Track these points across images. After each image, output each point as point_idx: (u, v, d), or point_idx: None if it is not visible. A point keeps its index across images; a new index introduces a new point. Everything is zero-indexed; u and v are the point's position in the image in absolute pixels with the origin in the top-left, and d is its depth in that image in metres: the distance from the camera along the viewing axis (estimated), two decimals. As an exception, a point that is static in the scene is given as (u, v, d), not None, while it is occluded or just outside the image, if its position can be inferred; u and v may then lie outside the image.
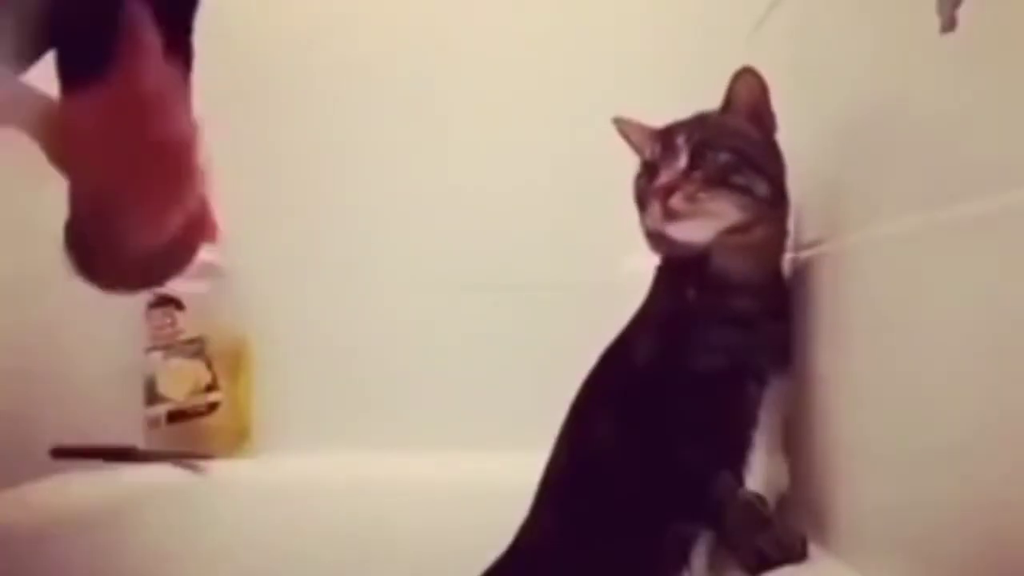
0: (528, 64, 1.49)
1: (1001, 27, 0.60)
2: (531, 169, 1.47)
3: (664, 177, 0.93)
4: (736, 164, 0.93)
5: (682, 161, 0.93)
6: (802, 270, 0.95)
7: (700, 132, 0.95)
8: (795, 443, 0.97)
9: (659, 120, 1.00)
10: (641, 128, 1.01)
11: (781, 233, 0.97)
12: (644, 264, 1.02)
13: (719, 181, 0.92)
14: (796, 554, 0.85)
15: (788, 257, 0.99)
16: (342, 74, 1.50)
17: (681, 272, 0.96)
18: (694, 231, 0.93)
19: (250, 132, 1.45)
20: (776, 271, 0.97)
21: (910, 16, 0.71)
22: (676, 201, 0.92)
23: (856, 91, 0.88)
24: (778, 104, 0.97)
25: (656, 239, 0.96)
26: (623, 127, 1.02)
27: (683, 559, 0.93)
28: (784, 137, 0.98)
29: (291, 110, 1.51)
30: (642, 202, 0.97)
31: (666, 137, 0.97)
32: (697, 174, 0.92)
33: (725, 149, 0.93)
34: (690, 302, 0.95)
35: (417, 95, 1.49)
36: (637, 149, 1.01)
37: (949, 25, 0.65)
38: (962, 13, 0.64)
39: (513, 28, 1.50)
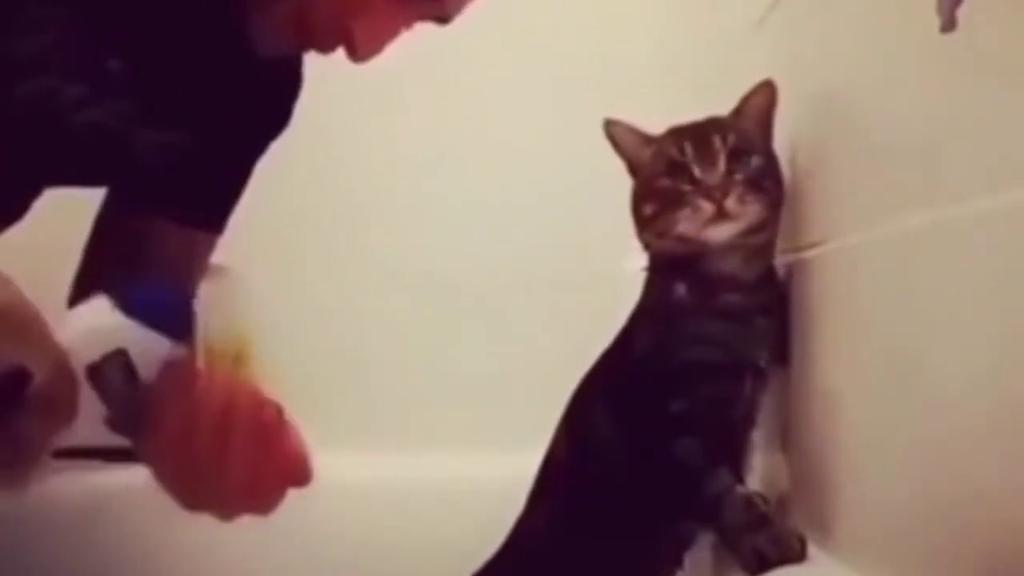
0: (527, 63, 1.49)
1: (1001, 27, 0.60)
2: (531, 169, 1.47)
3: (711, 179, 0.92)
4: (766, 169, 0.94)
5: (721, 165, 0.93)
6: (802, 270, 0.96)
7: (732, 136, 0.94)
8: (795, 443, 0.97)
9: (657, 122, 1.00)
10: (632, 131, 0.99)
11: (776, 234, 0.98)
12: (643, 264, 1.02)
13: (755, 186, 0.93)
14: (795, 554, 0.85)
15: (788, 257, 0.99)
16: (342, 74, 1.50)
17: (671, 269, 0.97)
18: (726, 232, 0.92)
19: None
20: (768, 270, 0.98)
21: (910, 16, 0.71)
22: (731, 203, 0.91)
23: (856, 91, 0.88)
24: (778, 104, 0.98)
25: (672, 240, 0.94)
26: (614, 130, 0.99)
27: (678, 559, 0.93)
28: (785, 137, 0.98)
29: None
30: (672, 202, 0.94)
31: (697, 138, 0.95)
32: (738, 177, 0.92)
33: (757, 153, 0.94)
34: (680, 297, 0.96)
35: (418, 94, 1.49)
36: (626, 152, 0.99)
37: (949, 25, 0.65)
38: (962, 13, 0.64)
39: (516, 27, 1.50)
